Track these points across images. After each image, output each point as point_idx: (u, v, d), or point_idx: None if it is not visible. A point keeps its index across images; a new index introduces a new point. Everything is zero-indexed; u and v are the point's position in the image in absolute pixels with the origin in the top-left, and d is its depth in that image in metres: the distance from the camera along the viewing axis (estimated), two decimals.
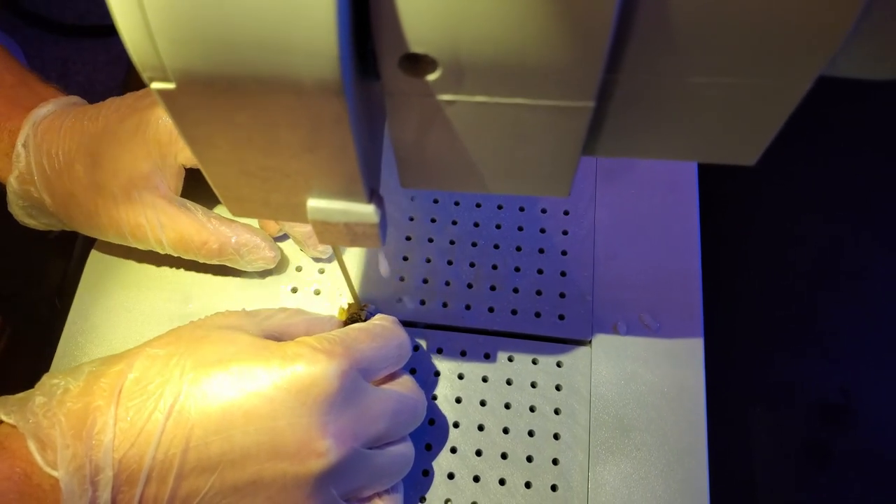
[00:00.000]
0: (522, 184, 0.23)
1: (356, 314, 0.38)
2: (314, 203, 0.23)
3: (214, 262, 0.39)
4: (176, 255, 0.39)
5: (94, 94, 0.41)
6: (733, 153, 0.22)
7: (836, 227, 0.55)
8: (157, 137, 0.37)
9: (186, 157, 0.38)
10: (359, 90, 0.19)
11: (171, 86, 0.18)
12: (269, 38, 0.17)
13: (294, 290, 0.41)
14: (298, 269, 0.41)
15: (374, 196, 0.24)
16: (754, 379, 0.50)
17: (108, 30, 1.02)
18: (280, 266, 0.41)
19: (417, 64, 0.18)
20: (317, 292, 0.41)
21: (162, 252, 0.39)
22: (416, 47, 0.18)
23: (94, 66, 1.05)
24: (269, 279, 0.41)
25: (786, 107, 0.20)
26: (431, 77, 0.18)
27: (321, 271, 0.41)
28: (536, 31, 0.17)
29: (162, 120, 0.37)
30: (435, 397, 0.38)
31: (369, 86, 0.21)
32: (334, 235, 0.25)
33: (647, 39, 0.18)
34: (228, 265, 0.39)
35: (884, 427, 0.52)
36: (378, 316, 0.35)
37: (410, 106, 0.20)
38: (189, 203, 0.38)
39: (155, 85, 0.18)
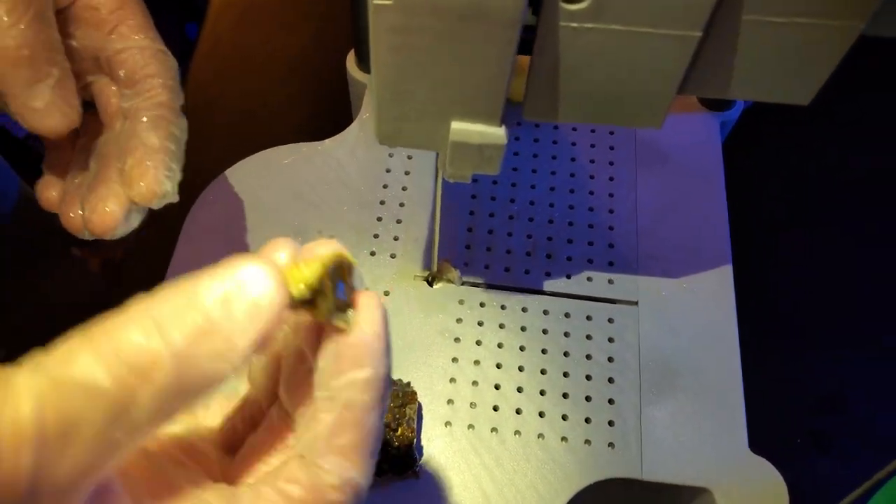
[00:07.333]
0: (625, 114, 0.29)
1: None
2: (457, 125, 0.29)
3: None
4: None
5: None
6: (792, 93, 0.28)
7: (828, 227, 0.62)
8: None
9: None
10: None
11: (389, 1, 0.24)
12: None
13: (372, 254, 0.45)
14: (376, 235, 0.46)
15: (503, 121, 0.29)
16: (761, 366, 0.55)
17: None
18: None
19: None
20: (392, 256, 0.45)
21: None
22: None
23: None
24: None
25: (839, 48, 0.26)
26: (581, 6, 0.24)
27: (395, 238, 0.46)
28: None
29: None
30: (500, 345, 0.42)
31: None
32: (464, 159, 0.30)
33: None
34: None
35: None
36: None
37: (556, 34, 0.26)
38: None
39: (375, 1, 0.24)
